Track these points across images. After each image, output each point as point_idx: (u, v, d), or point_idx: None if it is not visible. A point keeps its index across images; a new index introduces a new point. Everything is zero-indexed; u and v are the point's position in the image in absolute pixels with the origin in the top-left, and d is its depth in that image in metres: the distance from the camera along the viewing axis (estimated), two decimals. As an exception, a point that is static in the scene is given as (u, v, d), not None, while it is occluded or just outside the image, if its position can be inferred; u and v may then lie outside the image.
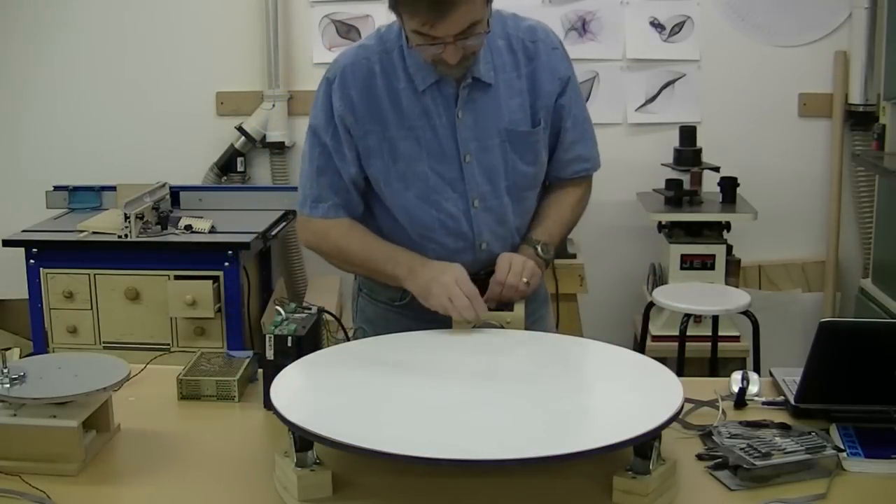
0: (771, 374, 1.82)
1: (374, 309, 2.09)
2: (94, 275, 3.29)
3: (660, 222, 3.56)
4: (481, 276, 1.94)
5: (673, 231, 3.53)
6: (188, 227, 3.32)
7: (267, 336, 1.69)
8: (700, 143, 3.59)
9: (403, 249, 1.94)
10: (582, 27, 3.73)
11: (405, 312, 1.99)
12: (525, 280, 1.88)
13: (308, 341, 1.70)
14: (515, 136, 1.92)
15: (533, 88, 1.92)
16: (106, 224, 3.33)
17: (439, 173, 1.90)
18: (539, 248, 1.97)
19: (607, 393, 1.54)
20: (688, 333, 3.17)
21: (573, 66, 2.00)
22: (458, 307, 1.80)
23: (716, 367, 3.34)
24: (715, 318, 3.30)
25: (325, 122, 1.92)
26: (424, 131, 1.88)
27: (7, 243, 3.32)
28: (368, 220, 2.00)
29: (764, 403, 1.72)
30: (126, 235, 3.23)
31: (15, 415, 1.51)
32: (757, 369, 3.01)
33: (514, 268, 1.89)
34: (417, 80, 1.86)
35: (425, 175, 1.90)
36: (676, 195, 3.54)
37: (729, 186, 3.57)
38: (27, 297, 3.35)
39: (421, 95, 1.87)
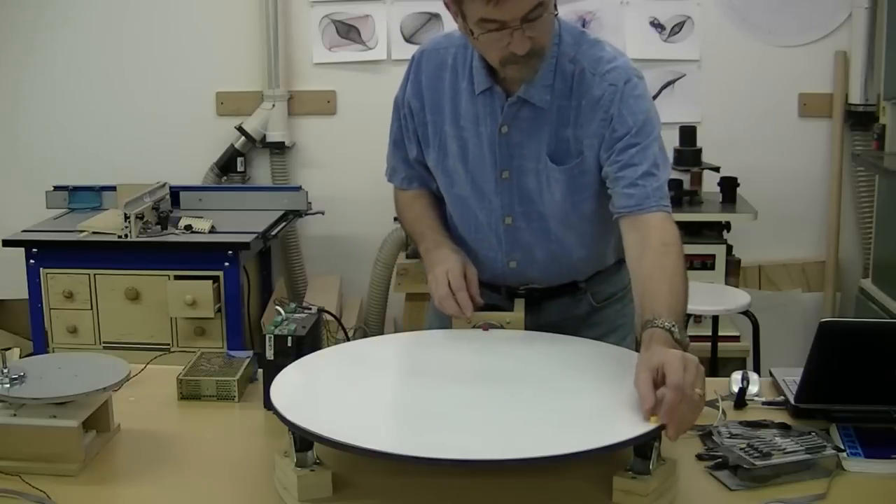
0: (771, 374, 1.82)
1: None
2: (94, 275, 3.29)
3: (660, 222, 3.56)
4: (521, 292, 1.93)
5: (673, 231, 3.52)
6: (188, 227, 3.32)
7: (267, 336, 1.69)
8: (700, 143, 3.59)
9: (437, 229, 1.96)
10: (582, 27, 3.71)
11: None
12: (699, 391, 1.40)
13: (308, 341, 1.70)
14: (557, 165, 1.80)
15: (578, 122, 1.77)
16: (106, 224, 3.33)
17: (475, 181, 1.87)
18: (675, 333, 1.59)
19: (607, 393, 1.53)
20: (688, 333, 3.16)
21: (644, 107, 1.75)
22: (438, 293, 1.81)
23: (716, 367, 3.33)
24: (715, 318, 3.30)
25: (401, 99, 1.94)
26: (471, 135, 1.85)
27: (7, 243, 3.32)
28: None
29: (764, 403, 1.72)
30: (126, 235, 3.23)
31: (15, 415, 1.51)
32: (757, 369, 3.01)
33: (688, 377, 1.38)
34: (476, 82, 1.81)
35: (465, 178, 1.88)
36: (676, 195, 3.53)
37: (729, 186, 3.58)
38: (27, 297, 3.35)
39: (476, 100, 1.83)
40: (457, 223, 1.97)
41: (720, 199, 3.59)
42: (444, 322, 1.92)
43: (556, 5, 1.69)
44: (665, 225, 1.73)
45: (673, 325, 1.58)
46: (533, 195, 1.85)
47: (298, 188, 3.74)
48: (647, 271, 1.69)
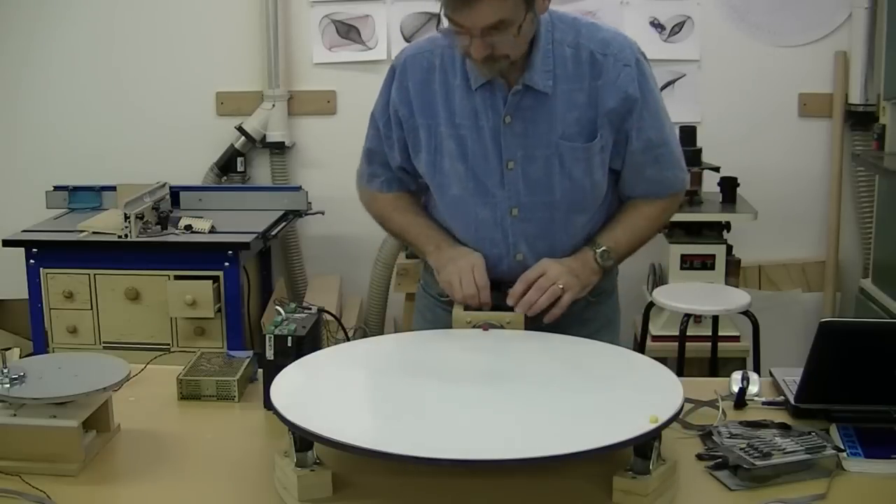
0: (771, 374, 1.81)
1: (425, 301, 2.11)
2: (94, 275, 3.29)
3: (660, 222, 3.56)
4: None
5: (673, 231, 3.52)
6: (188, 227, 3.32)
7: (267, 336, 1.69)
8: (700, 143, 3.59)
9: (438, 228, 1.98)
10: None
11: (448, 308, 1.99)
12: (560, 286, 1.82)
13: (308, 341, 1.70)
14: (567, 150, 1.83)
15: (595, 103, 1.82)
16: (106, 224, 3.33)
17: (478, 177, 1.88)
18: (598, 254, 1.89)
19: (607, 393, 1.54)
20: (688, 333, 3.17)
21: (652, 84, 1.87)
22: (464, 291, 1.84)
23: (716, 367, 3.33)
24: (715, 318, 3.30)
25: (381, 109, 1.96)
26: (470, 131, 1.86)
27: (7, 243, 3.32)
28: (431, 209, 2.03)
29: (764, 403, 1.72)
30: (126, 235, 3.23)
31: (15, 415, 1.51)
32: (757, 369, 3.01)
33: (549, 273, 1.83)
34: (472, 77, 1.83)
35: (465, 176, 1.89)
36: (677, 195, 3.54)
37: (729, 186, 3.58)
38: (27, 297, 3.35)
39: (473, 94, 1.84)
40: (452, 226, 1.97)
41: (720, 199, 3.59)
42: (435, 326, 1.94)
43: (532, 19, 1.74)
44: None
45: (601, 249, 1.90)
46: (540, 183, 1.87)
47: (298, 188, 3.74)
48: (624, 206, 1.97)
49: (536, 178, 1.86)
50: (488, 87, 1.83)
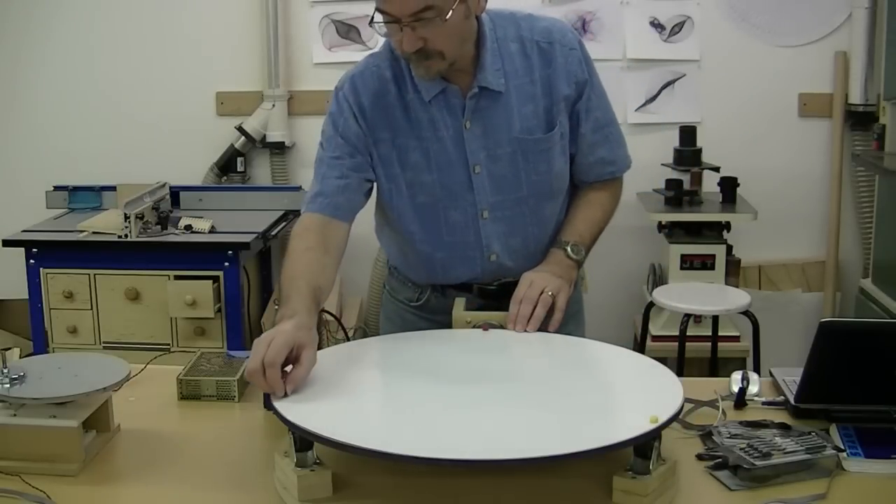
0: (771, 374, 1.82)
1: (393, 306, 2.11)
2: (94, 275, 3.29)
3: (660, 222, 3.57)
4: (493, 287, 1.94)
5: (673, 231, 3.53)
6: (188, 227, 3.32)
7: (267, 336, 1.68)
8: (700, 143, 3.59)
9: (307, 296, 1.67)
10: (582, 27, 3.72)
11: (419, 313, 2.02)
12: (549, 292, 1.82)
13: (308, 341, 1.69)
14: (528, 144, 1.86)
15: (548, 92, 1.86)
16: (106, 224, 3.33)
17: (445, 184, 1.88)
18: (569, 249, 1.92)
19: (607, 393, 1.54)
20: (688, 333, 3.17)
21: (593, 65, 1.93)
22: (248, 365, 1.53)
23: (716, 367, 3.34)
24: (715, 318, 3.30)
25: (331, 132, 1.90)
26: (431, 142, 1.85)
27: (7, 243, 3.32)
28: (391, 223, 1.98)
29: (764, 403, 1.72)
30: (126, 235, 3.23)
31: (15, 415, 1.51)
32: (757, 369, 3.01)
33: (535, 283, 1.83)
34: (423, 90, 1.83)
35: (432, 185, 1.88)
36: (676, 195, 3.54)
37: (729, 186, 3.58)
38: (27, 297, 3.35)
39: (428, 106, 1.84)
40: (420, 236, 1.94)
41: (720, 199, 3.59)
42: (404, 329, 1.94)
43: (466, 14, 1.73)
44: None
45: (570, 244, 1.92)
46: (507, 181, 1.88)
47: (298, 188, 3.74)
48: (576, 200, 2.00)
49: (503, 176, 1.88)
50: (442, 97, 1.83)
